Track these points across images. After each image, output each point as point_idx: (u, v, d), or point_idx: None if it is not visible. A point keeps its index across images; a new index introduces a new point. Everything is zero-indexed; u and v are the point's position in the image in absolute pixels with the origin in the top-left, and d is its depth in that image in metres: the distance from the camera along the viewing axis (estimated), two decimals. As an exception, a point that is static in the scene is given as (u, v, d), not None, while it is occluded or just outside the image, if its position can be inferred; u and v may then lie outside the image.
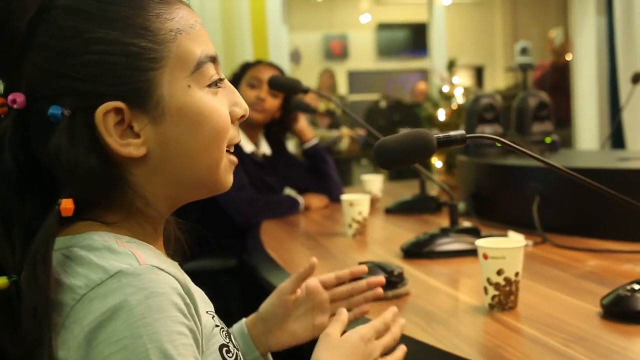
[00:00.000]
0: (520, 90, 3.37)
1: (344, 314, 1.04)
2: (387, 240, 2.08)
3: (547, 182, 1.89)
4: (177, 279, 0.72)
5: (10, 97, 0.75)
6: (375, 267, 1.40)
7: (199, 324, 0.73)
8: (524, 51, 3.08)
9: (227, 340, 0.83)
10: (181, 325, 0.68)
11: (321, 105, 6.11)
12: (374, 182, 2.73)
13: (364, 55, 9.64)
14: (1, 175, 0.76)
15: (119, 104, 0.76)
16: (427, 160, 2.88)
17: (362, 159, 6.89)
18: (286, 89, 2.33)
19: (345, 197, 2.10)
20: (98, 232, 0.76)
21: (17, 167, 0.76)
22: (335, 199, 2.66)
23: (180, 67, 0.79)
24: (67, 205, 0.74)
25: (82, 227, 0.77)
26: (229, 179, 0.86)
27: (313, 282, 1.17)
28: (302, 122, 2.78)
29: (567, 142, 4.74)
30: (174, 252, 0.91)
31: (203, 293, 0.88)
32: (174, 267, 0.81)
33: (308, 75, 7.44)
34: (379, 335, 1.03)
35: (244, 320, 1.16)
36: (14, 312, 0.71)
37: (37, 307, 0.68)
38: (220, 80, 0.84)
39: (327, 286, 1.18)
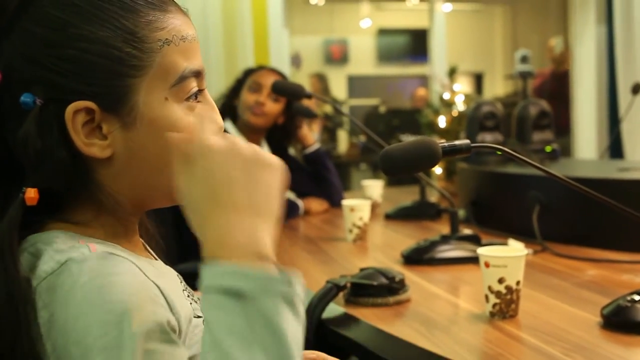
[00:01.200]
0: (520, 98, 3.37)
1: None
2: (387, 246, 2.09)
3: (547, 191, 1.90)
4: (137, 266, 0.72)
5: None
6: (376, 273, 1.41)
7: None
8: (524, 59, 3.09)
9: None
10: (137, 311, 0.67)
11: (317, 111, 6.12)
12: (374, 187, 2.74)
13: (364, 60, 9.65)
14: None
15: (91, 104, 0.74)
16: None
17: (361, 163, 6.91)
18: (289, 94, 2.34)
19: (346, 202, 2.11)
20: (62, 230, 0.76)
21: None
22: (335, 204, 2.67)
23: (161, 79, 0.77)
24: (31, 194, 0.73)
25: (49, 226, 0.77)
26: None
27: None
28: (304, 128, 2.79)
29: (565, 150, 4.76)
30: (156, 253, 0.91)
31: (178, 280, 0.87)
32: (144, 261, 0.80)
33: (308, 80, 7.46)
34: None
35: None
36: None
37: (13, 295, 0.68)
38: (200, 91, 0.81)
39: None
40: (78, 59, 0.74)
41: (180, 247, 1.60)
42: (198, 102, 0.81)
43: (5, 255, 0.70)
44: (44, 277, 0.69)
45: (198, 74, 0.80)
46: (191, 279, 0.95)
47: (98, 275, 0.68)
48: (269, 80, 2.55)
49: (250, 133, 2.64)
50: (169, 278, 0.85)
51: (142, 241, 0.90)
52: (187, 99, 0.79)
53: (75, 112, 0.74)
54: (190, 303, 0.82)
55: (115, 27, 0.75)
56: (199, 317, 0.81)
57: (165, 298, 0.73)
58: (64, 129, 0.74)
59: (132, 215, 0.84)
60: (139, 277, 0.71)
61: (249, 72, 2.73)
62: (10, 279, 0.69)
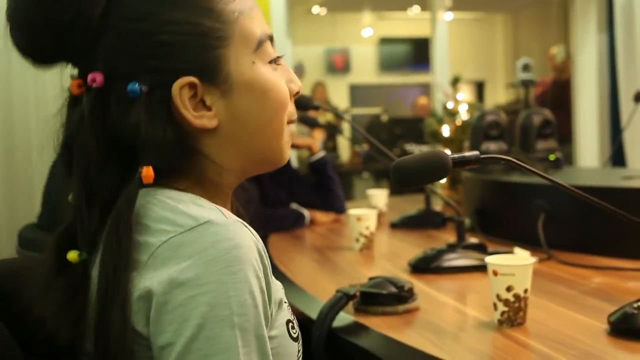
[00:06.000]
0: (521, 106, 3.40)
1: None
2: (394, 255, 2.10)
3: (552, 199, 1.92)
4: (255, 238, 0.78)
5: (90, 76, 0.81)
6: (386, 282, 1.42)
7: (265, 288, 0.77)
8: (525, 68, 3.12)
9: (293, 317, 0.88)
10: (256, 280, 0.74)
11: (319, 119, 6.15)
12: (380, 196, 2.76)
13: (365, 69, 9.68)
14: (84, 150, 0.81)
15: (192, 79, 0.82)
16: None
17: (364, 172, 6.93)
18: (297, 105, 2.36)
19: (352, 212, 2.13)
20: (178, 191, 0.83)
21: (97, 142, 0.81)
22: (337, 212, 2.70)
23: (244, 45, 0.85)
24: (148, 172, 0.79)
25: (156, 190, 0.82)
26: (288, 153, 0.94)
27: None
28: (310, 136, 2.81)
29: (567, 158, 4.77)
30: None
31: None
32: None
33: (310, 89, 7.49)
34: None
35: None
36: (77, 294, 0.77)
37: (118, 266, 0.73)
38: (279, 57, 0.90)
39: None
40: (170, 41, 0.81)
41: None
42: (278, 64, 0.90)
43: (121, 229, 0.75)
44: (180, 232, 0.75)
45: (271, 38, 0.90)
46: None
47: (237, 246, 0.74)
48: None
49: None
50: None
51: None
52: (270, 62, 0.88)
53: (181, 89, 0.82)
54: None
55: (194, 7, 0.83)
56: (285, 302, 0.87)
57: (269, 273, 0.79)
58: (170, 110, 0.82)
59: (230, 188, 0.91)
60: (257, 255, 0.76)
61: None
62: (120, 253, 0.74)
